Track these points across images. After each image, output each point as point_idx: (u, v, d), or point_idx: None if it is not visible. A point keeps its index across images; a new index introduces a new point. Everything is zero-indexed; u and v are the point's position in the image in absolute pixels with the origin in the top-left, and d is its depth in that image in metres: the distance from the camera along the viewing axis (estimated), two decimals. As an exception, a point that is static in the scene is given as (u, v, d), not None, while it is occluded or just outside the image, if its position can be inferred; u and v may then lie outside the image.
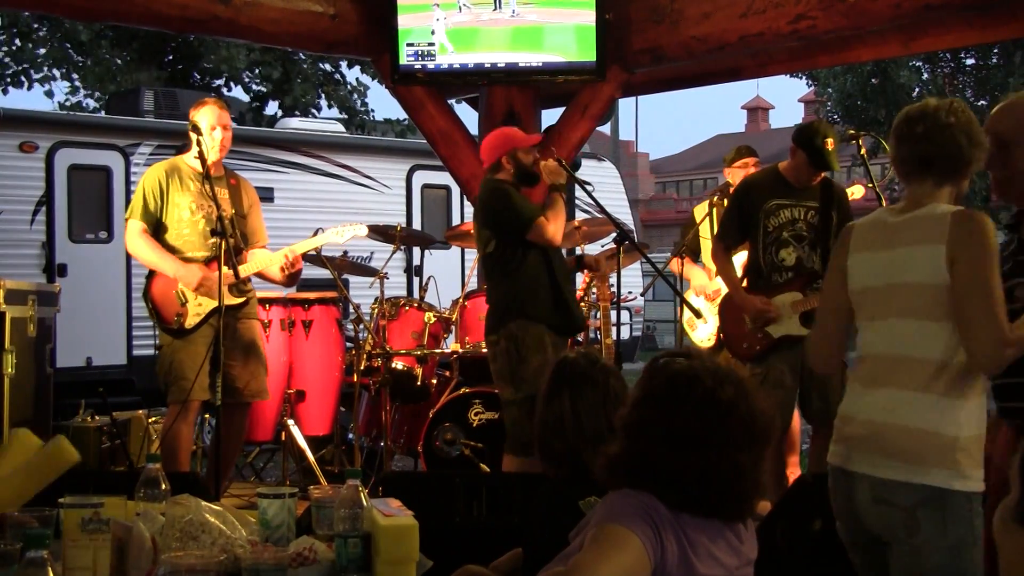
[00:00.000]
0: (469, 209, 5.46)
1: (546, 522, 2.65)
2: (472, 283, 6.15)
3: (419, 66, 5.78)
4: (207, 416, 5.62)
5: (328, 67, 19.38)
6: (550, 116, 6.46)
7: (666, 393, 2.13)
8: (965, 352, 2.49)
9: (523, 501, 3.49)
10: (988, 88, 20.29)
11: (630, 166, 38.73)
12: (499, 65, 5.81)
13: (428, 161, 10.38)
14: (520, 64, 5.80)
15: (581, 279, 5.57)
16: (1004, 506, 1.58)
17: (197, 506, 2.48)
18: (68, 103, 18.16)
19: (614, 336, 5.10)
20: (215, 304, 4.59)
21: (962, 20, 5.47)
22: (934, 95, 20.37)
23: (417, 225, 10.87)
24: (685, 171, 48.52)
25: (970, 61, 20.91)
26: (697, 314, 5.48)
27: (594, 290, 5.28)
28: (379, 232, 6.12)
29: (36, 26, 17.05)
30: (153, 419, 5.73)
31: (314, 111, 19.12)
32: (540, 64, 5.80)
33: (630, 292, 6.55)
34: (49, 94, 18.09)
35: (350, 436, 5.91)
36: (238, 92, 18.77)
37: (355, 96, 19.72)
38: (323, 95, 19.52)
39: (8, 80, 17.19)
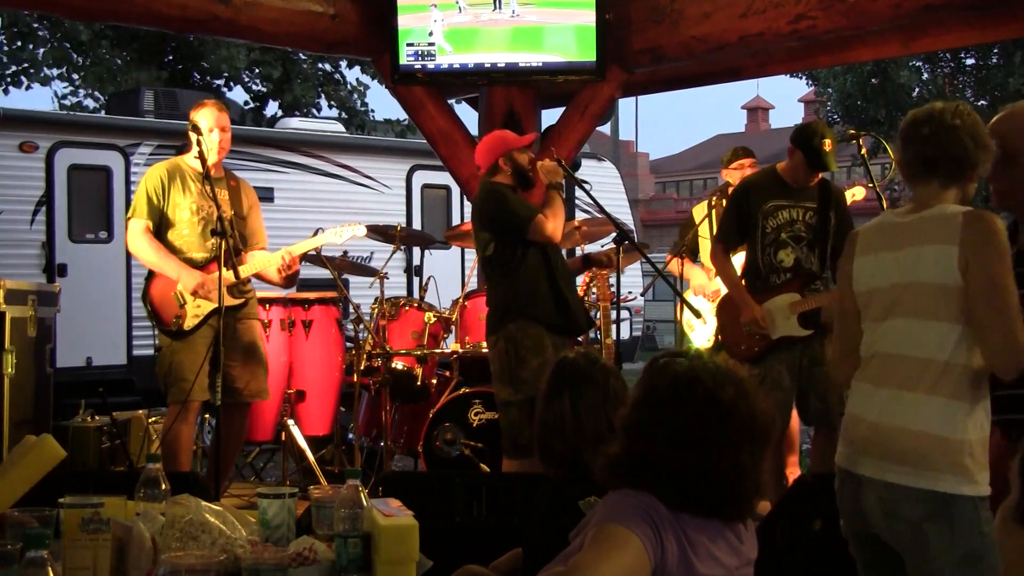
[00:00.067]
0: (469, 209, 5.46)
1: (546, 522, 2.65)
2: (472, 283, 6.15)
3: (419, 66, 5.79)
4: (207, 416, 5.62)
5: (328, 67, 19.38)
6: (550, 116, 6.48)
7: (667, 393, 2.13)
8: (982, 357, 2.47)
9: (523, 501, 3.49)
10: (988, 88, 20.29)
11: (630, 166, 38.74)
12: (499, 65, 5.81)
13: (428, 161, 10.38)
14: (520, 64, 5.80)
15: (581, 279, 5.57)
16: (1005, 506, 1.58)
17: (197, 506, 2.48)
18: (68, 103, 18.18)
19: (614, 336, 5.10)
20: (214, 305, 4.59)
21: (962, 20, 5.47)
22: (934, 95, 20.40)
23: (417, 225, 10.86)
24: (685, 171, 48.53)
25: (970, 61, 20.90)
26: (697, 314, 5.48)
27: (594, 290, 5.28)
28: (379, 232, 6.12)
29: (36, 26, 17.05)
30: (153, 419, 5.73)
31: (314, 111, 19.13)
32: (540, 64, 5.80)
33: (630, 292, 6.55)
34: (62, 98, 18.15)
35: (350, 436, 5.91)
36: (238, 92, 18.80)
37: (355, 96, 19.73)
38: (323, 95, 19.52)
39: (8, 80, 17.20)
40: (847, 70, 19.93)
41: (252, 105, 18.58)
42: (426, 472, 5.41)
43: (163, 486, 2.56)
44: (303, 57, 18.55)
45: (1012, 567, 1.61)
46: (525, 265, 4.54)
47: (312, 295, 5.80)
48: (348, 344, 5.88)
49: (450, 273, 9.31)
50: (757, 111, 52.93)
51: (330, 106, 19.70)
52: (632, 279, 11.27)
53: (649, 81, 6.84)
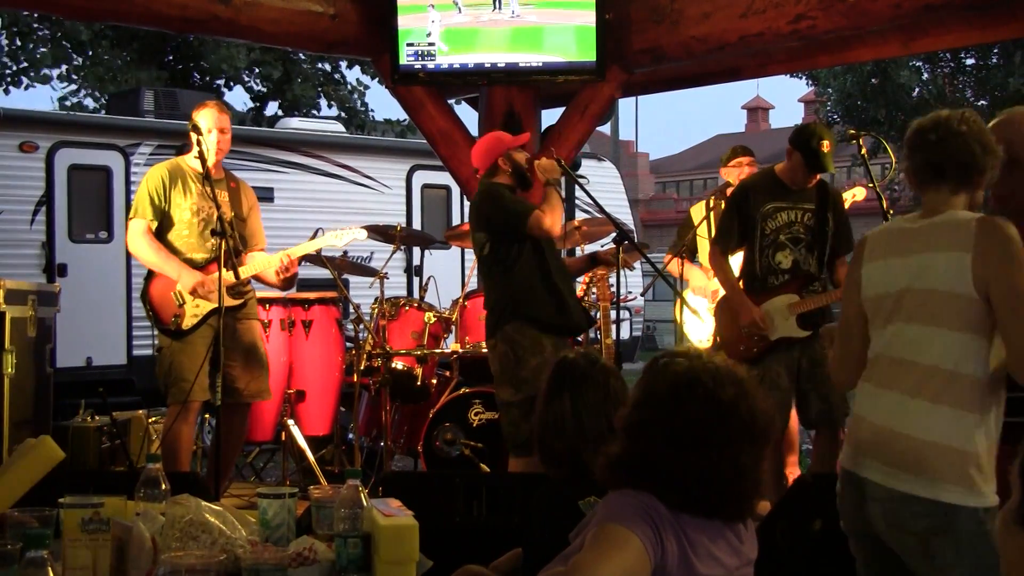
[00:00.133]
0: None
1: (546, 522, 2.65)
2: (472, 283, 6.15)
3: (419, 66, 5.78)
4: (207, 416, 5.63)
5: (328, 67, 19.39)
6: (550, 116, 6.47)
7: (667, 393, 2.13)
8: (1008, 366, 2.45)
9: (523, 501, 3.49)
10: (988, 88, 20.27)
11: (630, 166, 38.72)
12: (499, 65, 5.81)
13: (428, 161, 10.38)
14: (520, 64, 5.80)
15: (582, 279, 5.56)
16: (1006, 509, 1.58)
17: (197, 506, 2.49)
18: (68, 103, 18.18)
19: (614, 336, 5.10)
20: (213, 305, 4.60)
21: (962, 20, 5.47)
22: (934, 95, 20.34)
23: (417, 225, 10.86)
24: (685, 171, 48.51)
25: (970, 61, 20.87)
26: (696, 314, 5.48)
27: (594, 290, 5.28)
28: (379, 232, 6.12)
29: (36, 26, 17.05)
30: (153, 419, 5.73)
31: (314, 111, 19.13)
32: (540, 64, 5.80)
33: (630, 292, 6.55)
34: (62, 98, 18.15)
35: (350, 436, 5.91)
36: (238, 92, 18.85)
37: (355, 96, 19.73)
38: (323, 95, 19.54)
39: (8, 80, 17.20)
40: (847, 70, 19.91)
41: (252, 105, 18.60)
42: (426, 472, 5.41)
43: (163, 486, 2.56)
44: (303, 57, 18.56)
45: (1012, 568, 1.61)
46: (520, 262, 4.53)
47: (312, 295, 5.80)
48: (348, 344, 5.88)
49: (450, 273, 9.31)
50: (757, 111, 52.92)
51: (330, 106, 19.73)
52: (632, 279, 11.26)
53: (649, 81, 6.84)
